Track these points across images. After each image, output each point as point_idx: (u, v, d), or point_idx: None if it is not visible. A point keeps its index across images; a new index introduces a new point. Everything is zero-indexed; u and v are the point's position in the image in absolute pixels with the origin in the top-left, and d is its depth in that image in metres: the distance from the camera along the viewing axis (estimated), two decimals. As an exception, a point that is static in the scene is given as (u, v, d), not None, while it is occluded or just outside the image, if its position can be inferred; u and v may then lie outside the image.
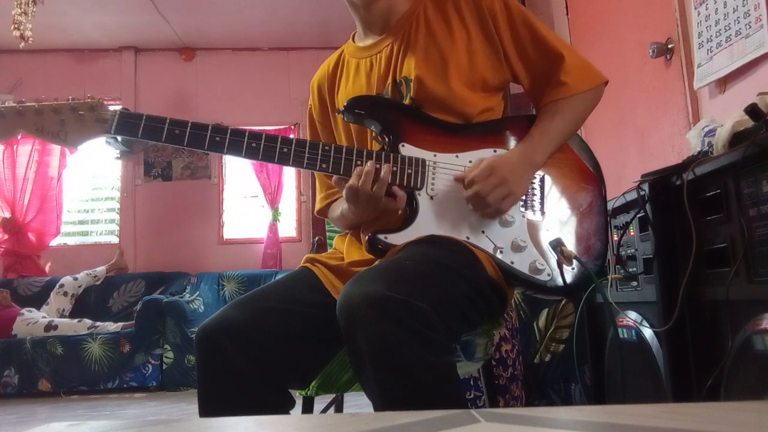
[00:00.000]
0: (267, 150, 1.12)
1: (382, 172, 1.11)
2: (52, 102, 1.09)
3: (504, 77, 1.26)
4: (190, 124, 1.10)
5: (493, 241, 1.15)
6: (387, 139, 1.18)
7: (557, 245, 1.16)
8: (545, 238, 1.17)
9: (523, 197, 1.19)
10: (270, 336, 1.10)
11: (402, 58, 1.24)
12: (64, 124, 1.09)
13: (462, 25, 1.24)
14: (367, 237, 1.12)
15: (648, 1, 2.62)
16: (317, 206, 1.41)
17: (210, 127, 1.10)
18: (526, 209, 1.19)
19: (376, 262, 1.16)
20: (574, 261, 1.15)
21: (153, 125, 1.09)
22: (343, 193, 1.15)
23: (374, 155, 1.14)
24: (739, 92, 2.00)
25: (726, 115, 1.52)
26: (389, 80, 1.25)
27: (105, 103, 1.11)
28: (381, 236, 1.11)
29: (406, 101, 1.22)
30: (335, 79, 1.36)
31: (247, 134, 1.11)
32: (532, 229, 1.18)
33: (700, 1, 2.16)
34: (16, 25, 3.62)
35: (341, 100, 1.31)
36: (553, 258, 1.16)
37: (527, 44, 1.24)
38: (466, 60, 1.22)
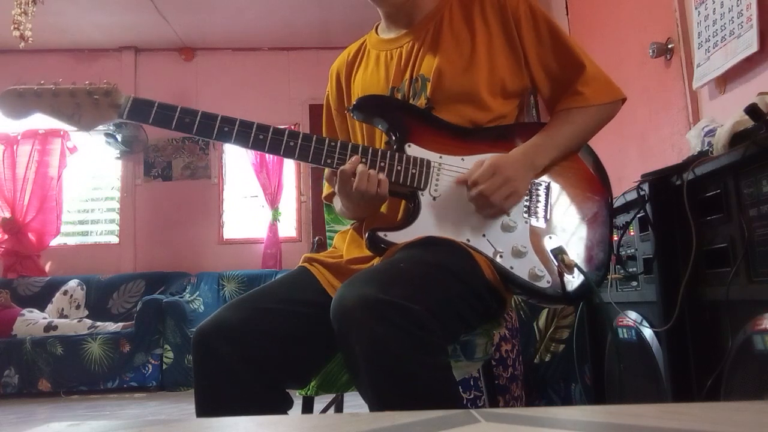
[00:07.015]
0: (274, 142, 1.13)
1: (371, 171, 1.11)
2: (69, 85, 1.13)
3: (523, 83, 1.25)
4: (200, 114, 1.12)
5: (494, 245, 1.14)
6: (394, 138, 1.18)
7: (558, 253, 1.15)
8: (547, 246, 1.16)
9: (527, 204, 1.18)
10: (266, 336, 1.10)
11: (422, 56, 1.24)
12: (79, 107, 1.13)
13: (485, 28, 1.24)
14: (367, 234, 1.12)
15: (648, 1, 2.62)
16: (324, 192, 1.41)
17: (219, 117, 1.12)
18: (529, 215, 1.18)
19: (374, 261, 1.16)
20: (575, 269, 1.14)
21: (164, 112, 1.12)
22: (336, 186, 1.15)
23: (379, 153, 1.14)
24: (739, 92, 2.00)
25: (726, 115, 1.52)
26: (407, 76, 1.25)
27: (119, 89, 1.14)
28: (381, 234, 1.11)
29: (421, 100, 1.22)
30: (353, 67, 1.36)
31: (255, 125, 1.13)
32: (534, 235, 1.17)
33: (700, 1, 2.16)
34: (16, 25, 3.61)
35: (357, 88, 1.32)
36: (553, 266, 1.15)
37: (549, 51, 1.24)
38: (487, 63, 1.22)
